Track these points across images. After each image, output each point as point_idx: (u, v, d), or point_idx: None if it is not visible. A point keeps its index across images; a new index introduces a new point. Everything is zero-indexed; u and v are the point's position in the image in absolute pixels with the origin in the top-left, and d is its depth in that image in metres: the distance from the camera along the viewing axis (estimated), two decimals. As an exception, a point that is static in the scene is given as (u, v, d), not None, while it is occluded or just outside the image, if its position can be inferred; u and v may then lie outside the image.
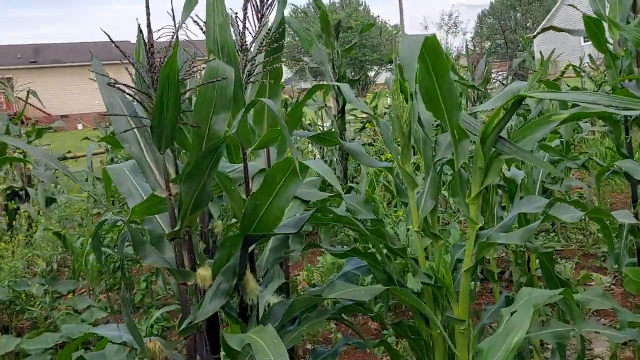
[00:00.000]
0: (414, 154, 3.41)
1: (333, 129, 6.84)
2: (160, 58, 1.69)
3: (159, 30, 2.12)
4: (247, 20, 1.92)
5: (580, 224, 5.36)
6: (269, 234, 1.73)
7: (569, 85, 8.64)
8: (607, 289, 4.25)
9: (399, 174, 2.18)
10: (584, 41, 29.30)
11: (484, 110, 2.72)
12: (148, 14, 1.65)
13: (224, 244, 1.73)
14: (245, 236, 1.69)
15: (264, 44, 1.93)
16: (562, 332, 1.83)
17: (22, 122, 7.70)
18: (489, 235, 2.00)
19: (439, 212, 4.64)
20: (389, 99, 7.20)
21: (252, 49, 2.02)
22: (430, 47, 1.75)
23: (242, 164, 1.95)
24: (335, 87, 6.50)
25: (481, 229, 2.69)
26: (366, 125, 7.39)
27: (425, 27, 70.86)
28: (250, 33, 2.57)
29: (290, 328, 1.91)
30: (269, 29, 2.42)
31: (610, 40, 3.62)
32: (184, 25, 2.00)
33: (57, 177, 7.15)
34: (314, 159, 7.49)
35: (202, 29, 1.84)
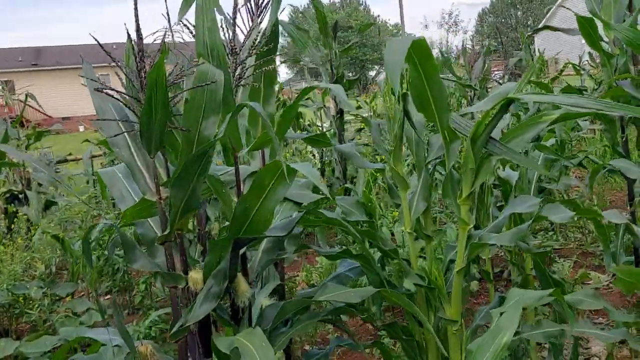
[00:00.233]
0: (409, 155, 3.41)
1: (332, 130, 6.85)
2: (150, 62, 1.70)
3: (154, 32, 2.14)
4: (237, 24, 1.92)
5: (579, 222, 5.36)
6: (259, 237, 1.74)
7: (569, 84, 8.63)
8: (605, 288, 4.25)
9: (391, 175, 2.19)
10: (585, 39, 29.15)
11: (476, 112, 2.72)
12: (136, 17, 1.66)
13: (214, 247, 1.74)
14: (235, 239, 1.70)
15: (255, 47, 1.93)
16: (553, 332, 1.84)
17: (22, 125, 7.72)
18: (481, 236, 2.00)
19: (437, 213, 4.65)
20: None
21: (244, 52, 2.03)
22: (419, 50, 1.76)
23: (233, 167, 1.95)
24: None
25: (477, 228, 2.70)
26: (363, 126, 7.39)
27: (426, 26, 70.91)
28: (244, 33, 2.58)
29: (282, 330, 1.92)
30: (259, 32, 2.43)
31: (606, 39, 3.62)
32: (180, 27, 2.01)
33: (57, 180, 7.16)
34: (314, 158, 7.50)
35: (191, 32, 1.84)
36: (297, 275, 5.07)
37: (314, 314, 1.92)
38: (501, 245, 3.08)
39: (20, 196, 6.00)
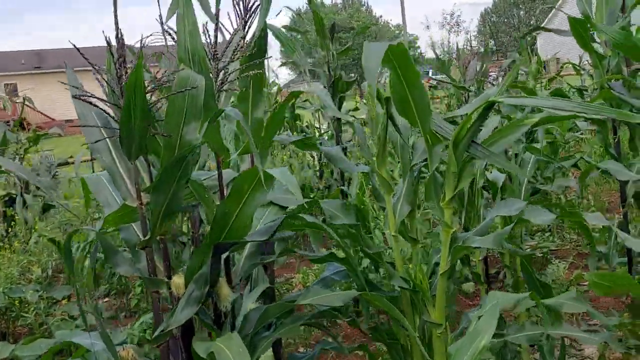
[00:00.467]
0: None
1: (330, 131, 6.84)
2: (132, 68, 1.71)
3: (148, 36, 2.15)
4: (221, 30, 1.93)
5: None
6: (240, 242, 1.75)
7: (569, 84, 8.62)
8: (601, 289, 4.24)
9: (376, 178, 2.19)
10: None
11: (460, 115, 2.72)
12: (117, 24, 1.67)
13: (196, 252, 1.75)
14: (215, 244, 1.71)
15: (237, 52, 1.94)
16: (535, 336, 1.84)
17: (24, 128, 7.75)
18: (464, 239, 2.01)
19: (430, 215, 4.65)
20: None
21: (227, 57, 2.03)
22: (398, 55, 1.77)
23: (216, 172, 1.96)
24: (330, 88, 6.49)
25: (467, 230, 2.69)
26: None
27: (427, 26, 70.79)
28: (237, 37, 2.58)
29: (265, 334, 1.92)
30: (242, 37, 2.44)
31: (599, 40, 3.61)
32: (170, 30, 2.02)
33: (57, 184, 7.20)
34: (313, 160, 7.50)
35: (173, 38, 1.85)
36: (294, 278, 5.08)
37: (297, 318, 1.93)
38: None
39: (18, 199, 6.03)
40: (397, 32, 50.22)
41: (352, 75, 7.32)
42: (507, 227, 1.91)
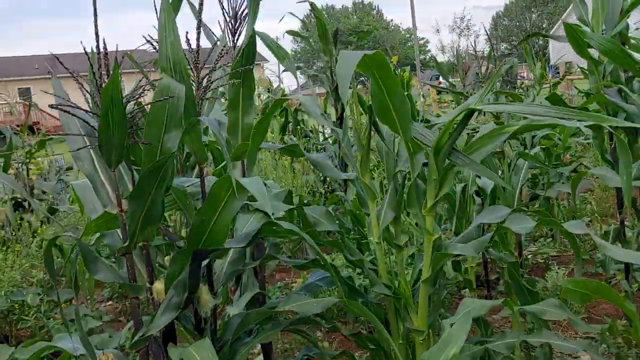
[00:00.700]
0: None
1: (333, 136, 6.85)
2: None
3: (142, 45, 2.18)
4: (200, 39, 1.95)
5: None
6: (219, 249, 1.77)
7: (577, 88, 8.56)
8: (602, 296, 4.20)
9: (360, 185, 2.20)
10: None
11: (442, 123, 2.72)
12: (97, 34, 1.70)
13: (175, 258, 1.77)
14: (194, 251, 1.72)
15: (219, 60, 1.96)
16: (512, 343, 1.84)
17: (33, 132, 7.84)
18: (446, 246, 2.01)
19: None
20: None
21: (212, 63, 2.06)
22: (378, 64, 1.78)
23: (199, 179, 1.99)
24: (333, 93, 6.53)
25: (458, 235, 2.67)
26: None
27: (437, 30, 70.65)
28: (225, 45, 2.61)
29: (246, 340, 1.94)
30: (233, 45, 2.47)
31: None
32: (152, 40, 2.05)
33: (62, 188, 7.26)
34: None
35: (155, 47, 1.88)
36: (295, 282, 5.09)
37: (278, 324, 1.94)
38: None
39: (24, 203, 6.10)
40: (407, 35, 50.16)
41: (364, 79, 7.32)
42: (488, 234, 1.92)
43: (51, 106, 1.67)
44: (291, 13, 6.37)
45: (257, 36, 2.57)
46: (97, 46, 1.68)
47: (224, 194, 1.67)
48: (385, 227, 2.19)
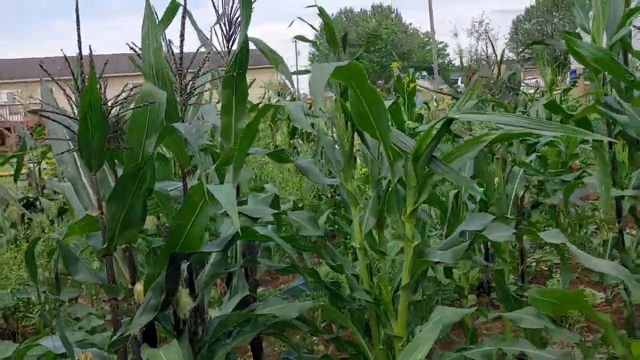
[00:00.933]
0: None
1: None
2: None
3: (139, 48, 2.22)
4: (183, 45, 1.99)
5: (584, 237, 5.27)
6: (196, 252, 1.80)
7: (577, 96, 8.46)
8: (604, 305, 4.16)
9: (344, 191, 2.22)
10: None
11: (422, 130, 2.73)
12: (79, 42, 1.75)
13: (154, 261, 1.81)
14: (172, 254, 1.76)
15: (202, 67, 2.00)
16: (489, 352, 1.84)
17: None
18: (426, 253, 2.02)
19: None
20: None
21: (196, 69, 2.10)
22: (354, 74, 1.80)
23: (182, 183, 2.02)
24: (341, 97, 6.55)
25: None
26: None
27: (455, 34, 70.31)
28: (220, 49, 2.65)
29: (225, 342, 1.97)
30: (227, 50, 2.51)
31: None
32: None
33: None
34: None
35: (138, 54, 1.92)
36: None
37: (256, 326, 1.97)
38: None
39: (35, 203, 6.22)
40: (425, 39, 50.01)
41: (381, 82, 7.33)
42: (465, 242, 1.92)
43: (31, 111, 1.72)
44: (300, 18, 6.43)
45: (250, 41, 2.61)
46: (79, 53, 1.73)
47: (198, 200, 1.70)
48: (369, 233, 2.21)
